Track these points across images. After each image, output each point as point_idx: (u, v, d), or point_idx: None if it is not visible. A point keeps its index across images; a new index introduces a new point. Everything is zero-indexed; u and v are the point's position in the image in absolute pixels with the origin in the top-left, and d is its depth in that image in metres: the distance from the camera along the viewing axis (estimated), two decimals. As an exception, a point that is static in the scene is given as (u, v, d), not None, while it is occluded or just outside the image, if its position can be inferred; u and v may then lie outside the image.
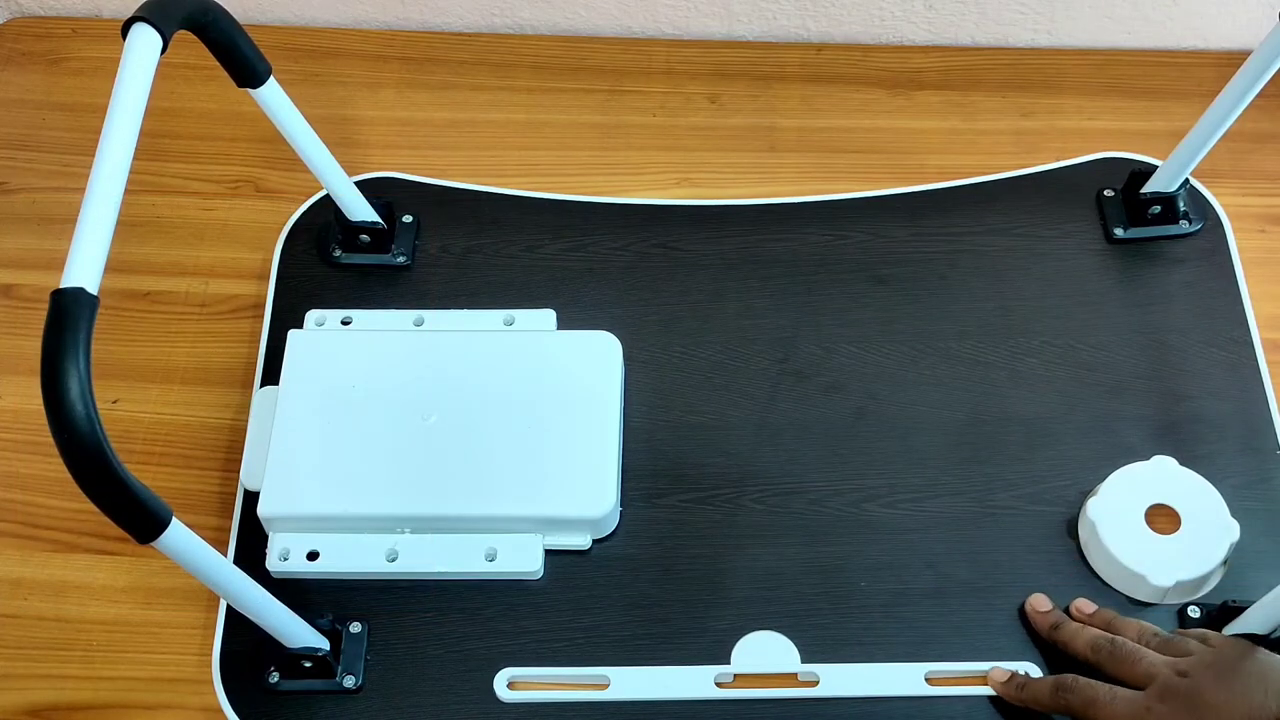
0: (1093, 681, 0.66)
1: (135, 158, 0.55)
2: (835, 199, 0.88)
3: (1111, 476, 0.74)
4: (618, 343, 0.79)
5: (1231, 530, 0.72)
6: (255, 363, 0.82)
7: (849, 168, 0.90)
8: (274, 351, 0.81)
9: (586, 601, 0.73)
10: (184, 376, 0.83)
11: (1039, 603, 0.71)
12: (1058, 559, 0.74)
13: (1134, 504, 0.73)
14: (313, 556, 0.73)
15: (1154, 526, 0.72)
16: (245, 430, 0.77)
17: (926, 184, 0.88)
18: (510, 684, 0.71)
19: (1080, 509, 0.74)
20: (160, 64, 0.57)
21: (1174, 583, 0.70)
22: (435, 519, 0.73)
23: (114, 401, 0.82)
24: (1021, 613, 0.72)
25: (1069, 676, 0.66)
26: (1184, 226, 0.85)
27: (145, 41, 0.57)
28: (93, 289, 0.50)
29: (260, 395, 0.78)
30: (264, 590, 0.63)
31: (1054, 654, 0.70)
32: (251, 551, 0.74)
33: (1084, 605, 0.71)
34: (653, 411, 0.79)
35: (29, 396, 0.82)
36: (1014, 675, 0.69)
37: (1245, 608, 0.68)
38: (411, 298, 0.83)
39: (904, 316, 0.82)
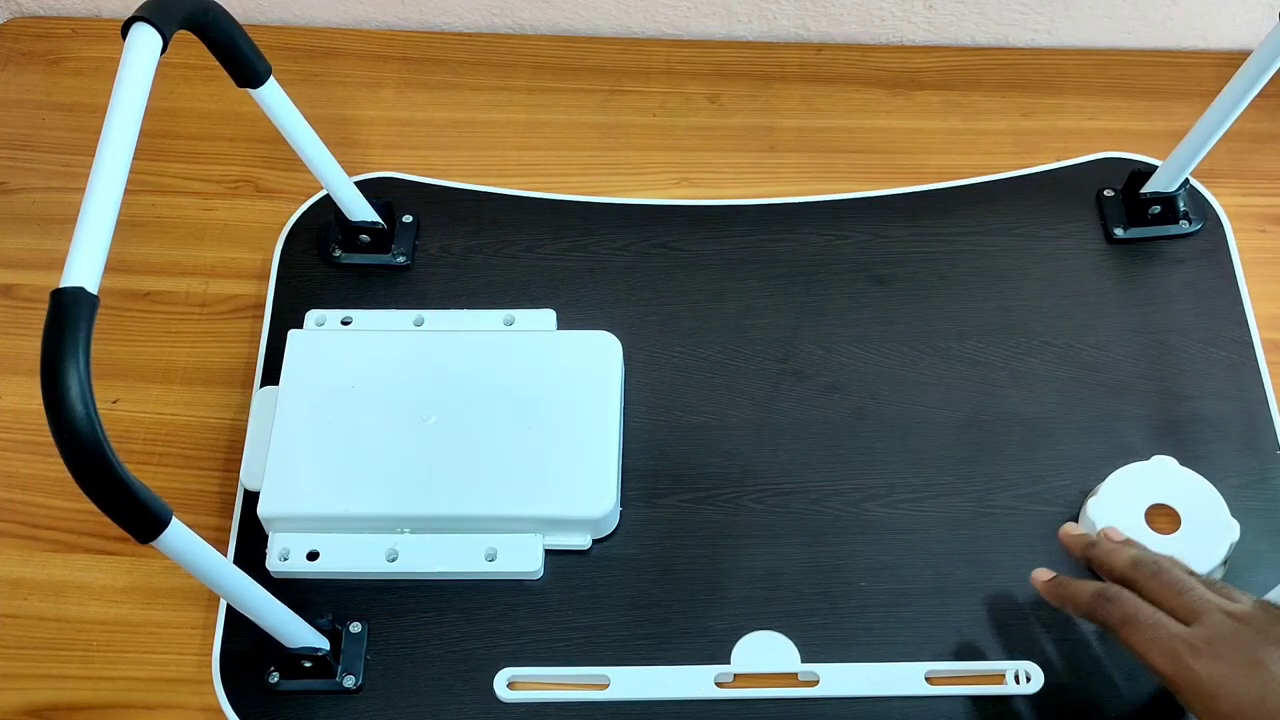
0: (1138, 599, 0.60)
1: (135, 158, 0.55)
2: (835, 199, 0.88)
3: (1111, 476, 0.74)
4: (618, 343, 0.79)
5: (1231, 530, 0.72)
6: (255, 363, 0.82)
7: (849, 168, 0.90)
8: (274, 351, 0.81)
9: (586, 601, 0.73)
10: (184, 376, 0.83)
11: (1070, 528, 0.68)
12: (1058, 559, 0.74)
13: (1134, 504, 0.73)
14: (313, 556, 0.73)
15: (1154, 526, 0.72)
16: (245, 430, 0.77)
17: (926, 184, 0.88)
18: (510, 684, 0.71)
19: (1080, 509, 0.74)
20: (160, 64, 0.57)
21: (1174, 583, 0.70)
22: (435, 519, 0.73)
23: (114, 401, 0.82)
24: (1023, 605, 0.72)
25: (1113, 586, 0.61)
26: (1184, 226, 0.85)
27: (145, 41, 0.57)
28: (93, 289, 0.50)
29: (260, 395, 0.78)
30: (264, 590, 0.63)
31: (1051, 657, 0.70)
32: (251, 551, 0.75)
33: (1113, 533, 0.67)
34: (653, 411, 0.79)
35: (29, 396, 0.82)
36: (1056, 575, 0.65)
37: (1245, 608, 0.68)
38: (411, 298, 0.83)
39: (904, 316, 0.82)
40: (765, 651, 0.71)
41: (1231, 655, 0.55)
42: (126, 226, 0.86)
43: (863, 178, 0.90)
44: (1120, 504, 0.73)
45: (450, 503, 0.73)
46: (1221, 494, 0.73)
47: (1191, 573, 0.62)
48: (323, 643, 0.69)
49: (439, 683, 0.71)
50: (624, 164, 0.91)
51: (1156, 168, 0.84)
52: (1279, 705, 0.54)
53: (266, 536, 0.74)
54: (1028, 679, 0.70)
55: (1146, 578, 0.61)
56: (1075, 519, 0.74)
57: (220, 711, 0.71)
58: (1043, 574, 0.67)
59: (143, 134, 0.56)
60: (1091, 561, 0.66)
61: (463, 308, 0.83)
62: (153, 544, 0.53)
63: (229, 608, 0.73)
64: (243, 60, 0.68)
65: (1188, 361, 0.80)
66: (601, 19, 0.99)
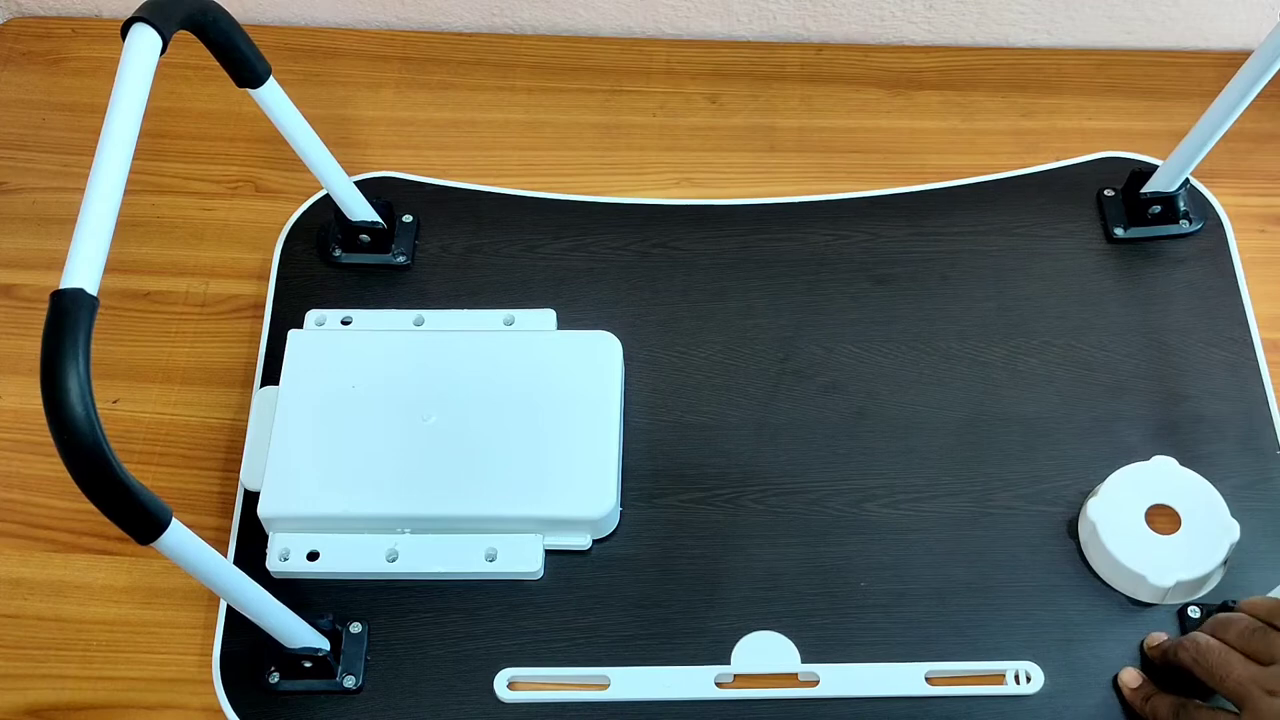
0: (1213, 711, 0.63)
1: (135, 158, 0.55)
2: (835, 199, 0.88)
3: (1111, 476, 0.74)
4: (618, 343, 0.79)
5: (1231, 530, 0.72)
6: (255, 363, 0.82)
7: (849, 168, 0.90)
8: (274, 351, 0.81)
9: (586, 601, 0.73)
10: (184, 376, 0.83)
11: (1152, 639, 0.69)
12: (1058, 559, 0.74)
13: (1134, 504, 0.73)
14: (313, 557, 0.73)
15: (1154, 526, 0.72)
16: (245, 430, 0.77)
17: (926, 184, 0.88)
18: (510, 684, 0.71)
19: (1080, 509, 0.74)
20: (160, 64, 0.57)
21: (1174, 583, 0.70)
22: (435, 519, 0.73)
23: (114, 401, 0.82)
24: (1023, 605, 0.72)
25: (1192, 703, 0.64)
26: (1184, 226, 0.85)
27: (145, 42, 0.57)
28: (92, 289, 0.50)
29: (260, 395, 0.78)
30: (264, 590, 0.63)
31: (1051, 657, 0.70)
32: (251, 551, 0.75)
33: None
34: (653, 411, 0.79)
35: (29, 396, 0.82)
36: (1145, 682, 0.67)
37: (1245, 608, 0.68)
38: (411, 298, 0.83)
39: (904, 316, 0.82)
40: (765, 652, 0.71)
41: None
42: (126, 226, 0.86)
43: (863, 178, 0.90)
44: (1120, 504, 0.73)
45: (450, 503, 0.73)
46: (1221, 494, 0.73)
47: (1254, 630, 0.63)
48: (323, 643, 0.69)
49: (439, 683, 0.71)
50: (624, 164, 0.91)
51: (1157, 168, 0.84)
52: None
53: (266, 536, 0.74)
54: (1028, 679, 0.70)
55: (1194, 666, 0.64)
56: (1075, 519, 0.74)
57: (220, 711, 0.71)
58: (1152, 639, 0.69)
59: (143, 134, 0.56)
60: (1169, 664, 0.67)
61: (463, 308, 0.83)
62: (153, 545, 0.53)
63: (229, 608, 0.73)
64: (243, 60, 0.68)
65: (1188, 361, 0.80)
66: (601, 19, 0.99)
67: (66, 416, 0.48)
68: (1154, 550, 0.71)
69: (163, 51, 0.58)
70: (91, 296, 0.50)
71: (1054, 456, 0.77)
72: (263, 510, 0.73)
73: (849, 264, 0.85)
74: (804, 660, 0.71)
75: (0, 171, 0.92)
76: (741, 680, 0.71)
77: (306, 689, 0.70)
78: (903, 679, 0.70)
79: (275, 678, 0.70)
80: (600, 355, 0.78)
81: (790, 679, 0.71)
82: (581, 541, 0.74)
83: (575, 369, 0.77)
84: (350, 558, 0.73)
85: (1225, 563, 0.72)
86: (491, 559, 0.73)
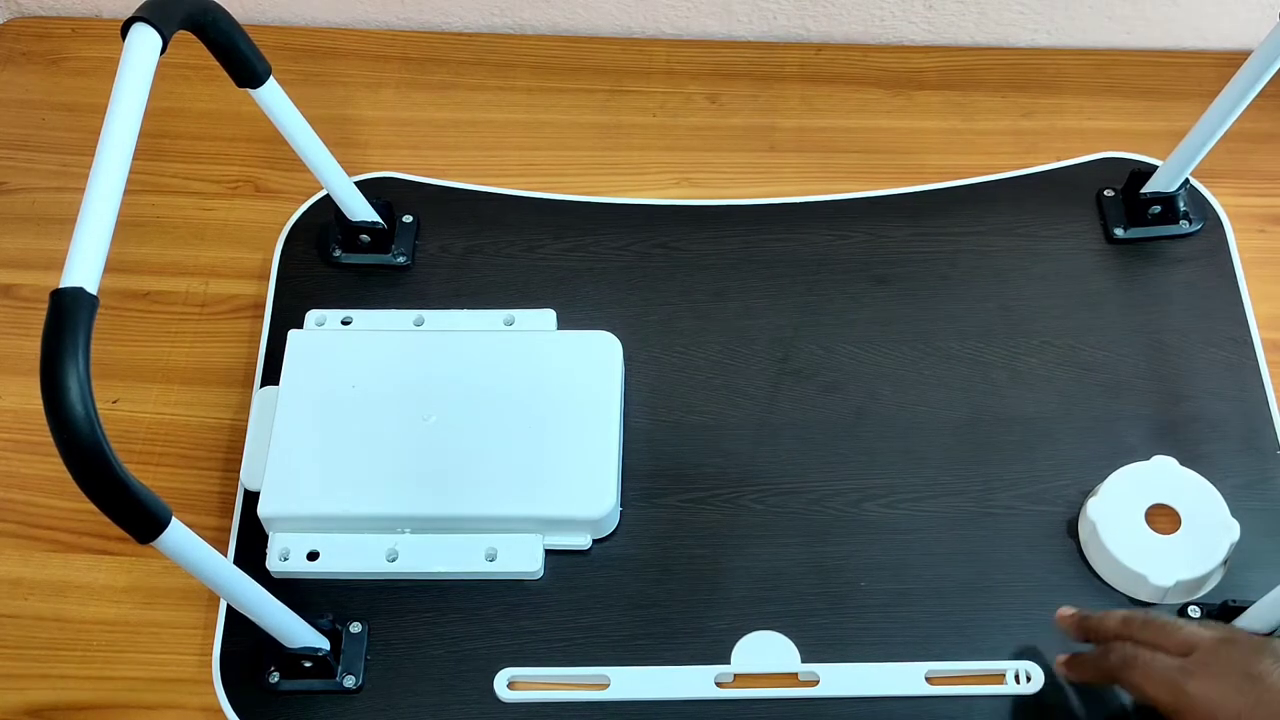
0: (1135, 645, 0.63)
1: (135, 158, 0.55)
2: (835, 199, 0.88)
3: (1111, 476, 0.74)
4: (618, 343, 0.79)
5: (1231, 530, 0.72)
6: (255, 363, 0.82)
7: (849, 168, 0.90)
8: (274, 351, 0.81)
9: (586, 601, 0.73)
10: (184, 376, 0.83)
11: (1063, 610, 0.68)
12: (1058, 559, 0.74)
13: (1134, 504, 0.73)
14: (313, 556, 0.73)
15: (1154, 526, 0.72)
16: (245, 430, 0.77)
17: (926, 184, 0.88)
18: (510, 684, 0.71)
19: (1080, 509, 0.74)
20: (160, 64, 0.57)
21: (1174, 583, 0.70)
22: (435, 519, 0.73)
23: (114, 401, 0.82)
24: (1023, 605, 0.72)
25: (1114, 643, 0.64)
26: (1184, 226, 0.85)
27: (145, 42, 0.57)
28: (92, 289, 0.50)
29: (260, 395, 0.78)
30: (264, 590, 0.63)
31: (1051, 657, 0.70)
32: (251, 551, 0.75)
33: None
34: (653, 411, 0.79)
35: (29, 396, 0.82)
36: (1082, 616, 0.66)
37: (1245, 608, 0.68)
38: (411, 298, 0.83)
39: (904, 316, 0.82)
40: (765, 651, 0.71)
41: (1224, 672, 0.58)
42: (126, 226, 0.85)
43: (863, 178, 0.90)
44: (1120, 504, 0.73)
45: (450, 503, 0.73)
46: (1221, 494, 0.73)
47: (1185, 616, 0.65)
48: (323, 643, 0.69)
49: (439, 683, 0.71)
50: (624, 164, 0.91)
51: (1156, 168, 0.84)
52: (1272, 711, 0.56)
53: (266, 536, 0.74)
54: (1028, 679, 0.70)
55: (1139, 628, 0.63)
56: (1075, 519, 0.74)
57: (220, 711, 0.71)
58: (1064, 610, 0.68)
59: (143, 134, 0.56)
60: (1088, 633, 0.67)
61: (463, 308, 0.83)
62: (153, 544, 0.53)
63: (229, 608, 0.73)
64: (243, 60, 0.68)
65: (1188, 361, 0.80)
66: (601, 19, 0.99)
67: (66, 416, 0.48)
68: (1154, 550, 0.71)
69: (163, 51, 0.58)
70: (91, 295, 0.50)
71: (1054, 456, 0.77)
72: (263, 510, 0.73)
73: (849, 264, 0.85)
74: (804, 660, 0.71)
75: (0, 171, 0.92)
76: (741, 680, 0.71)
77: (306, 689, 0.70)
78: (903, 679, 0.70)
79: (275, 678, 0.70)
80: (600, 355, 0.78)
81: (790, 679, 0.71)
82: (581, 541, 0.74)
83: (575, 369, 0.77)
84: (350, 557, 0.73)
85: (1225, 562, 0.72)
86: (491, 559, 0.73)
